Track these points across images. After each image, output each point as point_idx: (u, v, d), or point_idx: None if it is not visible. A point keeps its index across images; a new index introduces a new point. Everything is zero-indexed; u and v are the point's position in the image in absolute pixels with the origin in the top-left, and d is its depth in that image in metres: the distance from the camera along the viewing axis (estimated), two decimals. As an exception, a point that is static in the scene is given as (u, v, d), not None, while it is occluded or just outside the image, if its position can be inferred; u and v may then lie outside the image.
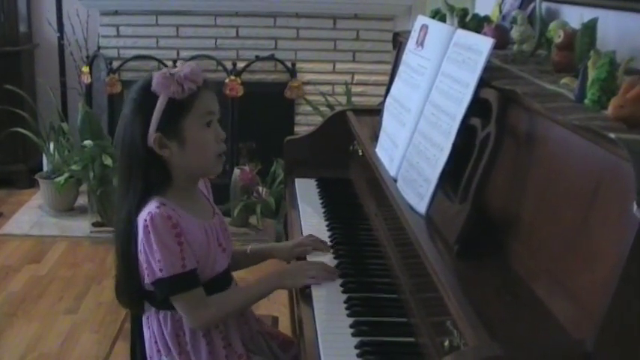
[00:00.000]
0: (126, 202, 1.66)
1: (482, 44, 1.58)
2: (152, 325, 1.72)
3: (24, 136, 4.55)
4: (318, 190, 2.47)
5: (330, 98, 4.55)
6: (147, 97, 1.63)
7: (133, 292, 1.70)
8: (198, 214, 1.70)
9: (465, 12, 2.22)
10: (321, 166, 2.57)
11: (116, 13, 4.62)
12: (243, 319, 1.79)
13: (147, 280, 1.64)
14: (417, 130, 1.82)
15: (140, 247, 1.62)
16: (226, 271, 1.77)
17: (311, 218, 2.22)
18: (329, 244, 1.98)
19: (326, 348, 1.50)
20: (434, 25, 1.90)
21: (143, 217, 1.61)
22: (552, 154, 1.34)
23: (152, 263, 1.60)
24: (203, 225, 1.69)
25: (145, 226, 1.59)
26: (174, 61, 4.51)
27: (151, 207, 1.61)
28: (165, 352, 1.71)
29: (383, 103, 2.25)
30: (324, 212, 2.26)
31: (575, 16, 1.79)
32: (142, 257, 1.63)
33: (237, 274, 1.86)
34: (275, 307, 2.69)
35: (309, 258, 1.91)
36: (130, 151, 1.65)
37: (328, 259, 1.89)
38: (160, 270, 1.60)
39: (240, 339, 1.74)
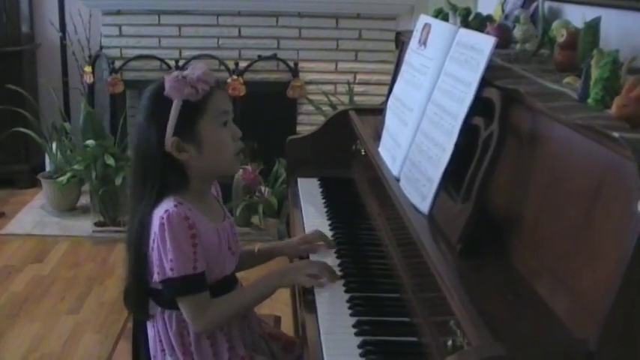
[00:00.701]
0: (140, 208, 1.64)
1: (485, 43, 1.58)
2: (157, 324, 1.72)
3: (26, 135, 4.56)
4: (320, 189, 2.47)
5: (332, 98, 4.55)
6: (160, 103, 1.62)
7: (142, 297, 1.70)
8: (211, 217, 1.70)
9: (467, 11, 2.22)
10: (323, 165, 2.57)
11: (118, 12, 4.62)
12: (246, 322, 1.79)
13: (156, 277, 1.62)
14: (419, 130, 1.81)
15: (153, 244, 1.61)
16: (233, 272, 1.77)
17: (313, 218, 2.22)
18: (331, 243, 1.99)
19: (329, 348, 1.50)
20: (436, 25, 1.90)
21: (160, 214, 1.59)
22: (555, 153, 1.34)
23: (164, 261, 1.60)
24: (216, 228, 1.68)
25: (162, 224, 1.58)
26: (177, 61, 4.52)
27: (169, 205, 1.60)
28: (169, 352, 1.71)
29: (385, 102, 2.25)
30: (327, 212, 2.26)
31: (577, 16, 1.79)
32: (153, 254, 1.61)
33: (239, 273, 1.86)
34: (277, 306, 2.69)
35: (313, 257, 1.91)
36: (146, 158, 1.63)
37: (331, 258, 1.89)
38: (171, 269, 1.59)
39: (242, 341, 1.74)
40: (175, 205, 1.59)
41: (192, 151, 1.63)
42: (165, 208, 1.59)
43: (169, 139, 1.61)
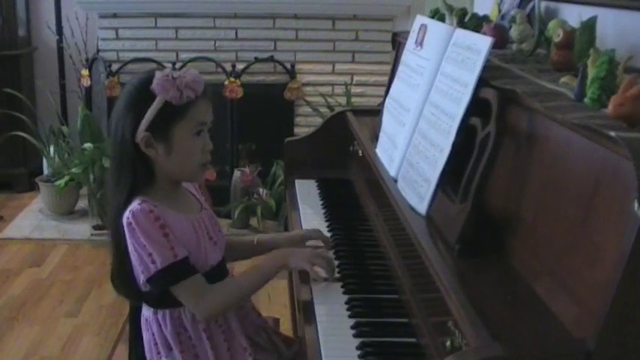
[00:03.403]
0: (116, 196, 1.66)
1: (481, 43, 1.58)
2: (151, 327, 1.72)
3: (24, 139, 4.55)
4: (318, 191, 2.47)
5: (329, 99, 4.55)
6: (143, 94, 1.62)
7: (127, 282, 1.70)
8: (184, 210, 1.70)
9: (464, 11, 2.22)
10: (321, 167, 2.57)
11: (115, 15, 4.61)
12: (243, 312, 1.78)
13: (142, 278, 1.63)
14: (416, 131, 1.81)
15: (130, 247, 1.62)
16: (221, 264, 1.76)
17: (311, 219, 2.22)
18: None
19: (327, 349, 1.49)
20: (433, 25, 1.90)
21: (126, 215, 1.61)
22: (552, 153, 1.34)
23: (144, 258, 1.60)
24: (189, 219, 1.69)
25: (129, 224, 1.60)
26: (174, 64, 4.51)
27: (133, 205, 1.62)
28: (165, 353, 1.70)
29: (382, 103, 2.25)
30: (325, 213, 2.26)
31: (573, 15, 1.79)
32: (133, 258, 1.62)
33: (236, 266, 1.86)
34: (276, 308, 2.69)
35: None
36: (121, 145, 1.65)
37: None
38: (153, 263, 1.60)
39: (242, 333, 1.74)
40: (139, 204, 1.61)
41: (160, 151, 1.64)
42: (130, 208, 1.61)
43: (141, 132, 1.62)
